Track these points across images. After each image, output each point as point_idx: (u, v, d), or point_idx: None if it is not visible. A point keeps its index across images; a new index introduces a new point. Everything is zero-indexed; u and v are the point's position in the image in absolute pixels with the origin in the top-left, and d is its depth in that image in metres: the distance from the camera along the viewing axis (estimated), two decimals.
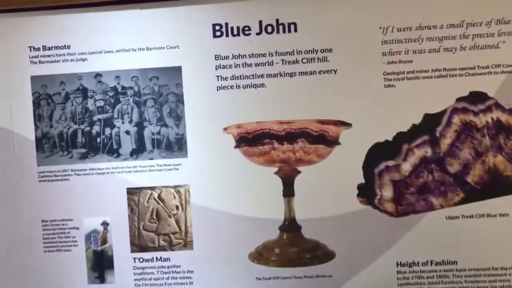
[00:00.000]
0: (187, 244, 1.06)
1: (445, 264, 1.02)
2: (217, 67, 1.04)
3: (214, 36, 1.04)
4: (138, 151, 1.06)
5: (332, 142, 1.02)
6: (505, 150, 1.00)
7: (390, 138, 1.01)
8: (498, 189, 1.01)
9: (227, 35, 1.03)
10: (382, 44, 1.01)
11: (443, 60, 1.00)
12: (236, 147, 1.03)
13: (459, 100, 1.00)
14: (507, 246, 1.01)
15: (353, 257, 1.02)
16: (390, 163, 1.02)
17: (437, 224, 1.01)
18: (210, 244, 1.05)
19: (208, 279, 1.06)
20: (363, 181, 1.02)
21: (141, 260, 1.07)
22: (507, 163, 1.00)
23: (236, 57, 1.03)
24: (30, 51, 1.06)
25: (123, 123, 1.07)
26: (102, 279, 1.08)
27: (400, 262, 1.02)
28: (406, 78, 1.01)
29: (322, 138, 1.02)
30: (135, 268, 1.07)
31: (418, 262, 1.02)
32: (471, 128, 1.01)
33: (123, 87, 1.06)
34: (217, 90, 1.04)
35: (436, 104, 1.01)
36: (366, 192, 1.02)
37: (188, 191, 1.06)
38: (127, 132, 1.07)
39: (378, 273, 1.02)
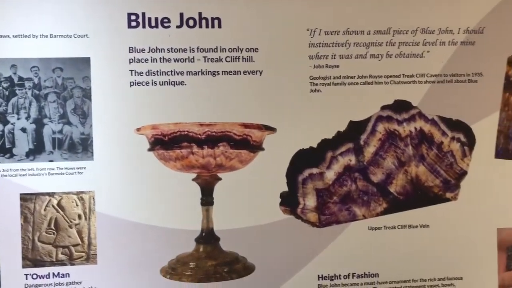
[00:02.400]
0: (90, 258, 0.94)
1: (367, 276, 0.99)
2: (131, 61, 0.93)
3: (129, 26, 0.93)
4: (35, 151, 0.93)
5: (255, 147, 0.96)
6: (427, 161, 1.00)
7: (315, 145, 0.97)
8: (420, 200, 1.00)
9: (143, 26, 0.94)
10: (309, 46, 0.97)
11: (369, 67, 0.98)
12: (150, 150, 0.93)
13: (384, 108, 0.99)
14: (427, 258, 1.00)
15: (274, 270, 0.96)
16: (314, 170, 0.98)
17: (359, 235, 0.98)
18: (117, 258, 0.94)
19: None
20: (286, 189, 0.97)
21: (34, 276, 0.93)
22: (428, 173, 1.00)
23: (153, 50, 0.94)
24: None
25: (18, 119, 0.92)
26: None
27: (322, 275, 0.98)
28: (332, 83, 0.97)
29: (245, 143, 0.95)
30: (27, 286, 0.93)
31: (339, 275, 0.98)
32: (394, 137, 0.99)
33: (20, 78, 0.92)
34: (130, 86, 0.93)
35: (361, 111, 0.98)
36: (289, 201, 0.97)
37: (93, 198, 0.94)
38: (23, 130, 0.93)
39: (298, 287, 0.97)
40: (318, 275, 0.97)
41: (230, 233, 0.95)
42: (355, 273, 0.98)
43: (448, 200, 1.01)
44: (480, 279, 1.01)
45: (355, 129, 0.98)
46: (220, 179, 0.95)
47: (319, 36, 0.96)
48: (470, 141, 1.01)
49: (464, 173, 1.01)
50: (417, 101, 0.99)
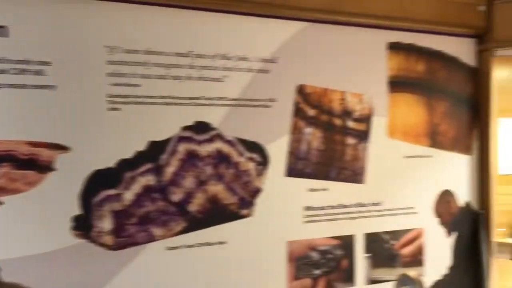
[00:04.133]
0: None
1: None
2: None
3: None
4: None
5: (45, 167, 0.89)
6: (225, 179, 1.05)
7: (113, 165, 0.95)
8: (218, 217, 1.04)
9: None
10: (107, 64, 0.94)
11: (170, 88, 0.99)
12: None
13: (184, 128, 1.01)
14: (224, 274, 1.04)
15: None
16: (111, 192, 0.94)
17: (157, 256, 0.97)
18: None
19: None
20: (79, 212, 0.92)
21: None
22: (226, 191, 1.05)
23: None
24: None
25: None
26: None
27: None
28: (132, 102, 0.96)
29: (33, 163, 0.88)
30: None
31: None
32: (195, 157, 1.02)
33: None
34: None
35: (162, 131, 0.98)
36: (83, 225, 0.92)
37: None
38: None
39: None
40: None
41: (11, 262, 0.86)
42: None
43: (244, 216, 1.07)
44: None
45: (155, 149, 0.98)
46: (1, 203, 0.86)
47: (118, 54, 0.94)
48: (264, 161, 1.10)
49: (258, 191, 1.08)
50: (216, 123, 1.04)
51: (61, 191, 0.90)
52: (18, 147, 0.86)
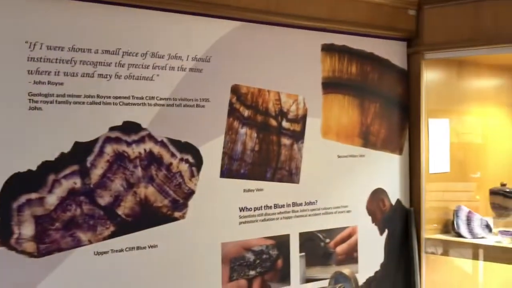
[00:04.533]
0: None
1: None
2: None
3: None
4: None
5: None
6: (156, 181, 1.02)
7: (34, 168, 0.89)
8: (149, 220, 1.00)
9: None
10: (28, 60, 0.88)
11: (97, 87, 0.95)
12: None
13: (112, 129, 0.97)
14: (155, 278, 1.01)
15: None
16: (33, 195, 0.89)
17: (84, 261, 0.93)
18: None
19: None
20: None
21: None
22: (157, 194, 1.02)
23: None
24: None
25: None
26: None
27: None
28: (56, 101, 0.91)
29: None
30: None
31: None
32: (123, 159, 0.98)
33: None
34: None
35: (88, 132, 0.94)
36: (1, 231, 0.86)
37: None
38: None
39: None
40: None
41: None
42: None
43: (176, 219, 1.04)
44: None
45: (81, 151, 0.94)
46: None
47: (40, 50, 0.89)
48: (198, 162, 1.07)
49: (192, 193, 1.06)
50: (146, 123, 1.00)
51: None
52: None
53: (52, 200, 0.91)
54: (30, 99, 0.88)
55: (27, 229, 0.88)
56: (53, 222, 0.91)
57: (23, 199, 0.88)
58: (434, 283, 1.43)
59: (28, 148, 0.88)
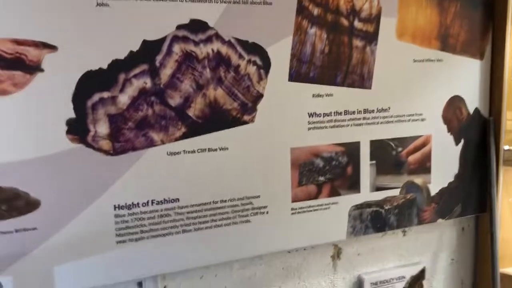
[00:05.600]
0: None
1: (167, 202, 0.96)
2: None
3: None
4: None
5: (32, 68, 0.83)
6: (225, 83, 0.99)
7: (105, 66, 0.89)
8: (218, 123, 1.00)
9: None
10: None
11: None
12: None
13: (179, 27, 0.94)
14: (227, 180, 1.01)
15: (63, 204, 0.88)
16: (105, 94, 0.89)
17: (157, 161, 0.94)
18: None
19: None
20: (73, 115, 0.87)
21: None
22: (226, 96, 1.00)
23: None
24: None
25: None
26: None
27: (118, 205, 0.92)
28: None
29: (19, 63, 0.82)
30: None
31: (138, 203, 0.94)
32: (192, 59, 0.95)
33: None
34: None
35: (156, 30, 0.91)
36: (78, 129, 0.88)
37: None
38: None
39: (92, 220, 0.90)
40: (115, 205, 0.92)
41: (6, 166, 0.83)
42: (154, 200, 0.96)
43: (245, 122, 1.03)
44: (275, 196, 1.07)
45: (150, 49, 0.92)
46: None
47: None
48: (265, 64, 1.03)
49: (260, 96, 1.03)
50: (213, 22, 0.96)
51: (52, 93, 0.85)
52: (2, 45, 0.80)
53: (124, 99, 0.91)
54: None
55: (102, 128, 0.90)
56: (126, 121, 0.91)
57: (96, 97, 0.89)
58: (510, 196, 1.36)
59: (99, 46, 0.87)
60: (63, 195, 0.87)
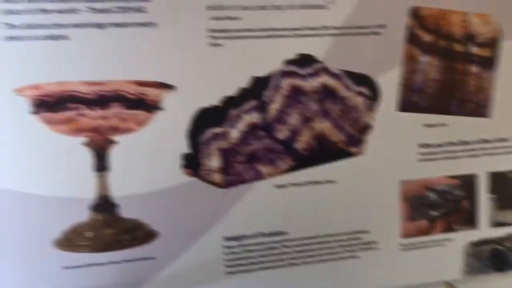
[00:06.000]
0: None
1: (274, 235, 0.97)
2: (6, 12, 0.83)
3: None
4: None
5: (152, 107, 0.89)
6: (332, 116, 0.99)
7: (217, 103, 0.93)
8: (325, 155, 0.99)
9: None
10: None
11: (271, 19, 0.93)
12: (32, 113, 0.85)
13: (287, 62, 0.95)
14: (334, 213, 1.00)
15: (178, 235, 0.92)
16: (218, 130, 0.93)
17: (266, 194, 0.96)
18: (7, 232, 0.86)
19: (8, 273, 0.87)
20: (188, 150, 0.92)
21: None
22: (333, 128, 0.99)
23: (30, 0, 0.84)
24: None
25: None
26: None
27: (228, 237, 0.95)
28: (233, 36, 0.92)
29: (141, 103, 0.88)
30: None
31: (246, 235, 0.96)
32: (299, 93, 0.96)
33: None
34: (6, 41, 0.83)
35: (264, 66, 0.93)
36: (192, 163, 0.92)
37: None
38: None
39: (205, 250, 0.93)
40: (224, 237, 0.95)
41: (129, 199, 0.89)
42: (262, 232, 0.97)
43: (353, 154, 1.01)
44: (384, 231, 1.03)
45: (258, 85, 0.94)
46: (114, 142, 0.89)
47: None
48: (374, 95, 1.01)
49: (368, 127, 1.01)
50: (321, 55, 0.96)
51: (170, 130, 0.90)
52: (126, 87, 0.87)
53: (235, 134, 0.94)
54: (209, 36, 0.91)
55: (214, 162, 0.93)
56: (237, 155, 0.94)
57: (209, 133, 0.93)
58: None
59: (211, 84, 0.91)
60: (178, 226, 0.92)
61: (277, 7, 0.93)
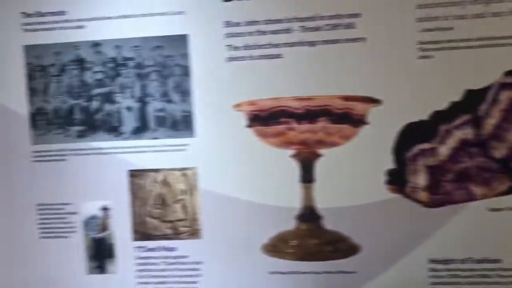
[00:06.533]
0: (195, 233, 0.96)
1: (487, 262, 0.89)
2: (227, 35, 0.92)
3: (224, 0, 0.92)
4: (141, 129, 0.96)
5: (358, 121, 0.89)
6: None
7: (426, 118, 0.88)
8: None
9: None
10: (417, 8, 0.87)
11: (489, 27, 0.86)
12: (248, 126, 0.92)
13: (507, 74, 0.86)
14: None
15: (380, 252, 0.90)
16: (425, 146, 0.89)
17: (478, 217, 0.88)
18: (220, 233, 0.95)
19: (218, 272, 0.96)
20: (393, 166, 0.90)
21: (144, 249, 0.98)
22: None
23: (249, 23, 0.92)
24: (23, 17, 0.97)
25: (124, 98, 0.96)
26: (102, 269, 0.99)
27: (434, 259, 0.90)
28: (445, 48, 0.87)
29: (347, 117, 0.89)
30: (137, 258, 0.98)
31: (454, 259, 0.89)
32: None
33: (124, 58, 0.95)
34: (227, 61, 0.92)
35: (480, 78, 0.86)
36: (397, 179, 0.89)
37: (196, 175, 0.95)
38: (129, 109, 0.96)
39: (407, 270, 0.90)
40: (430, 259, 0.90)
41: (332, 211, 0.91)
42: (472, 258, 0.89)
43: None
44: None
45: (472, 99, 0.87)
46: (320, 155, 0.91)
47: None
48: None
49: None
50: None
51: (374, 145, 0.89)
52: (333, 102, 0.89)
53: (444, 150, 0.88)
54: (420, 48, 0.88)
55: (421, 179, 0.89)
56: (445, 173, 0.88)
57: (416, 149, 0.89)
58: None
59: (419, 98, 0.87)
60: (381, 243, 0.90)
61: (496, 14, 0.86)
